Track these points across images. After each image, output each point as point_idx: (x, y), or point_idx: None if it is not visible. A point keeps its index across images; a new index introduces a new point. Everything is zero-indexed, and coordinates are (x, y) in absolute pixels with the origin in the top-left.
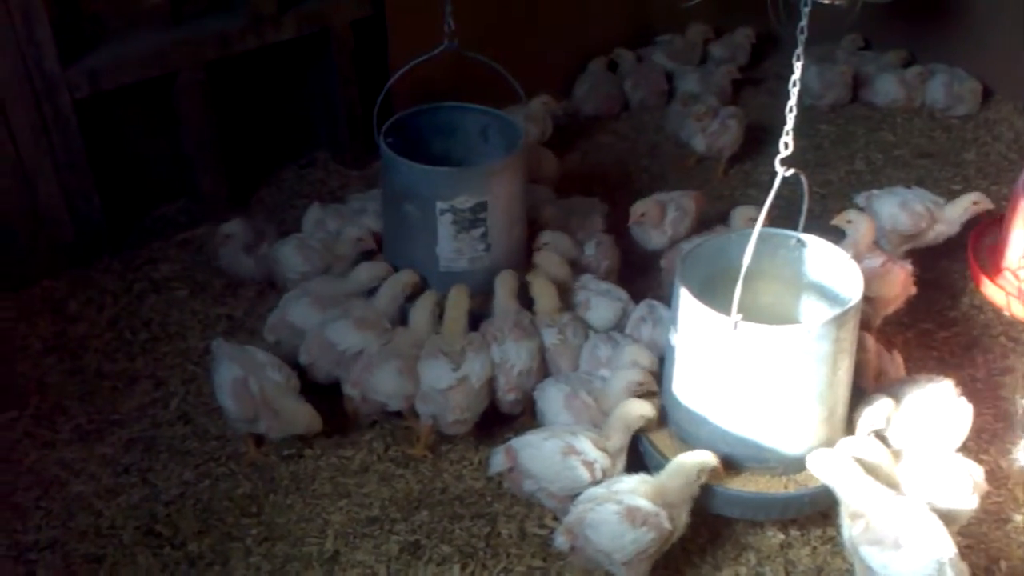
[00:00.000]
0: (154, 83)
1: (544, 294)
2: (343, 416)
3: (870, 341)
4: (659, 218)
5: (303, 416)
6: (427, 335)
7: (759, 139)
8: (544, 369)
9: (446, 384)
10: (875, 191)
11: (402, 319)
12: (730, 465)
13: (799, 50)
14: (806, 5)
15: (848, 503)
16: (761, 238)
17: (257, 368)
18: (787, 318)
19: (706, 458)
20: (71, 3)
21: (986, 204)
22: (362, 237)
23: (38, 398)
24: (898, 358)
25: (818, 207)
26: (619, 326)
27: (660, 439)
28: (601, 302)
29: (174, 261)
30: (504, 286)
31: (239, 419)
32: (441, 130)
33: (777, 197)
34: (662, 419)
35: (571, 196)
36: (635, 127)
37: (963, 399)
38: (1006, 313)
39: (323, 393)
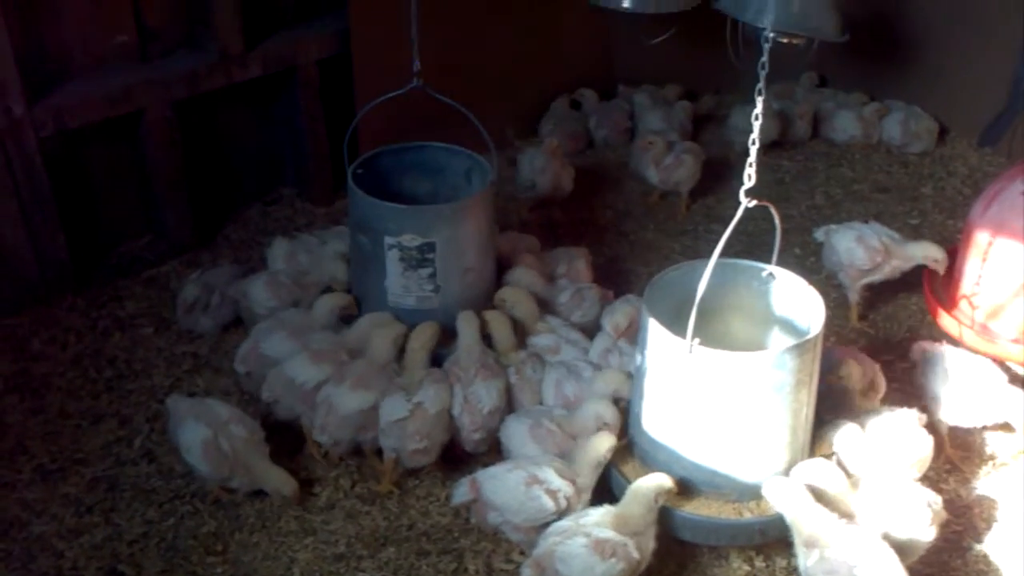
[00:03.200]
0: (120, 121)
1: (502, 332)
2: (309, 454)
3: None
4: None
5: (274, 477)
6: (386, 363)
7: (722, 175)
8: (508, 407)
9: (401, 414)
10: (832, 226)
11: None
12: (686, 489)
13: (760, 84)
14: (767, 41)
15: (801, 531)
16: (734, 270)
17: (222, 425)
18: (756, 350)
19: (662, 480)
20: (36, 40)
21: (942, 267)
22: (340, 279)
23: None
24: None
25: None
26: None
27: (628, 468)
28: (570, 351)
29: (139, 299)
30: (469, 326)
31: (213, 479)
32: (429, 169)
33: (746, 232)
34: (630, 448)
35: (556, 248)
36: (599, 164)
37: (925, 430)
38: (964, 346)
39: (289, 432)
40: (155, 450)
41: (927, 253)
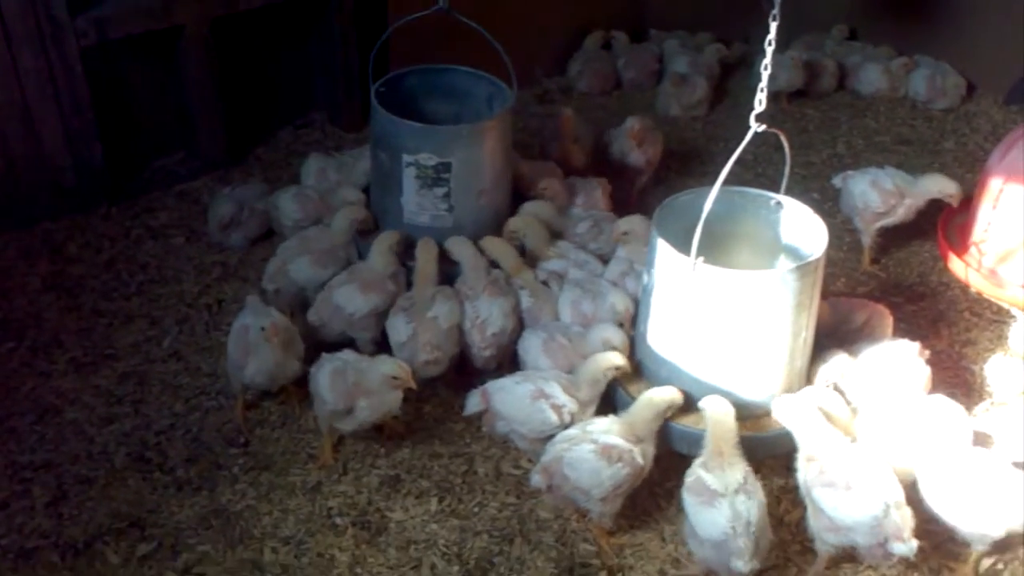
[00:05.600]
0: (160, 35)
1: (503, 254)
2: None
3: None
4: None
5: (290, 367)
6: (384, 270)
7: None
8: (521, 326)
9: (405, 337)
10: (850, 172)
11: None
12: (686, 403)
13: (775, 11)
14: None
15: (805, 447)
16: (743, 198)
17: (264, 322)
18: None
19: (674, 394)
20: None
21: (955, 199)
22: (353, 201)
23: (35, 331)
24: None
25: (799, 186)
26: None
27: (633, 387)
28: (579, 274)
29: (172, 210)
30: (463, 247)
31: (235, 364)
32: (452, 93)
33: (766, 175)
34: (638, 370)
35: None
36: (625, 105)
37: (922, 360)
38: (972, 289)
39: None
40: (183, 350)
41: (942, 188)
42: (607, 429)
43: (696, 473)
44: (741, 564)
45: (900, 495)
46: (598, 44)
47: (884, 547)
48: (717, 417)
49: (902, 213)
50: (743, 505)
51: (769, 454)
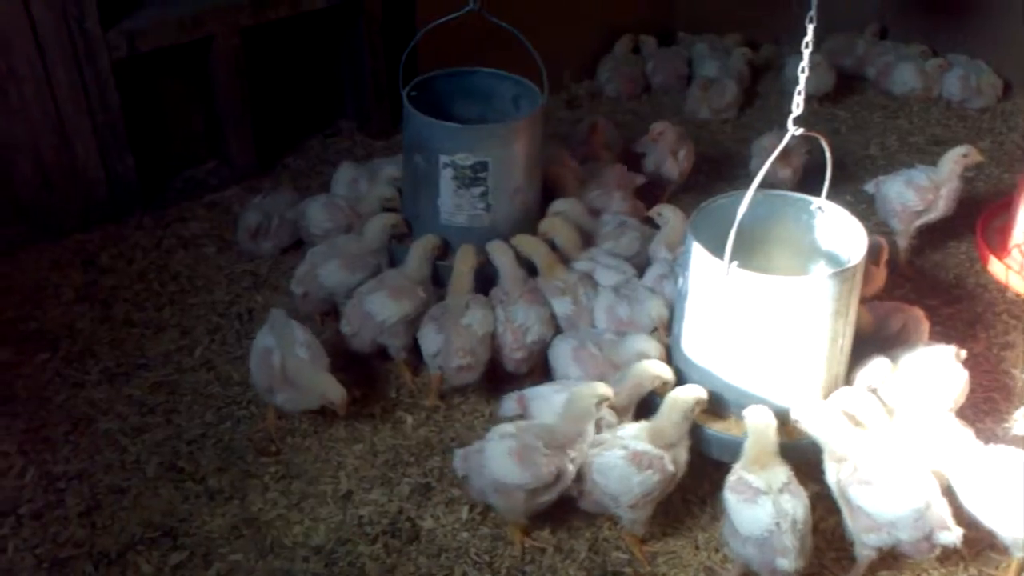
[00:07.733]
0: (190, 47)
1: (537, 252)
2: (362, 375)
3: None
4: None
5: (322, 386)
6: (418, 275)
7: (780, 124)
8: (557, 332)
9: (435, 349)
10: (881, 177)
11: (436, 281)
12: (719, 409)
13: (811, 12)
14: None
15: (833, 449)
16: (783, 202)
17: (288, 344)
18: None
19: (698, 392)
20: None
21: (975, 156)
22: (389, 197)
23: (69, 342)
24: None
25: (832, 189)
26: None
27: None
28: (606, 274)
29: (203, 220)
30: (503, 255)
31: (258, 386)
32: (478, 95)
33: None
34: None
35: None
36: (655, 109)
37: (959, 364)
38: (1010, 292)
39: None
40: (214, 359)
41: (954, 156)
42: (637, 435)
43: (738, 474)
44: (787, 563)
45: (936, 486)
46: (627, 48)
47: (929, 540)
48: (758, 427)
49: (943, 206)
50: (788, 503)
51: (804, 460)
